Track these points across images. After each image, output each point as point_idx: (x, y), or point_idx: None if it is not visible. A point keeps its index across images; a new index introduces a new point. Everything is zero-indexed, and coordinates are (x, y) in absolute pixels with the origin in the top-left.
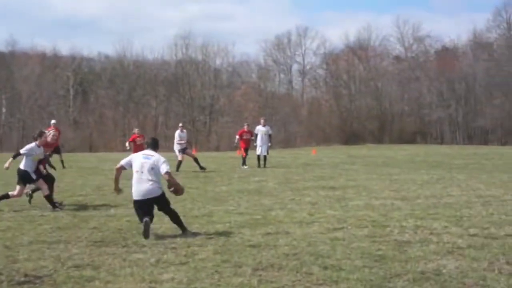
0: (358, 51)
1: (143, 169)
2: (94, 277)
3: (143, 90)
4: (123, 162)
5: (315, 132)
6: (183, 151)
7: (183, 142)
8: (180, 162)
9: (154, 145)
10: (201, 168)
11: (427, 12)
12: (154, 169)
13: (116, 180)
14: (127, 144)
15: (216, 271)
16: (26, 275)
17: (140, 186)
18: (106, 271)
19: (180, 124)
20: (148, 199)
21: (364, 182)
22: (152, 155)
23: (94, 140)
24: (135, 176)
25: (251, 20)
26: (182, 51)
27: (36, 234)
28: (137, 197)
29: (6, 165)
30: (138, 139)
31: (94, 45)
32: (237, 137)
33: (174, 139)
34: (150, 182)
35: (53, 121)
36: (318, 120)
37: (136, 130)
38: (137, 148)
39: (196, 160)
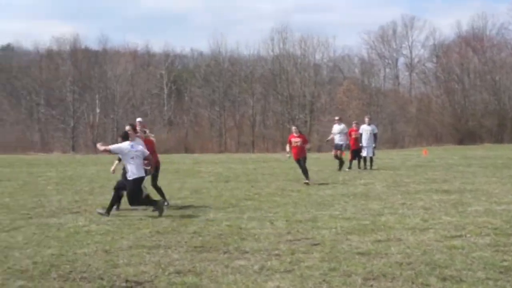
0: (472, 41)
1: None
2: (196, 284)
3: (239, 88)
4: None
5: (425, 131)
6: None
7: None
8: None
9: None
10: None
11: None
12: None
13: None
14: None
15: (323, 280)
16: (127, 281)
17: None
18: (208, 278)
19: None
20: None
21: (483, 185)
22: None
23: (190, 141)
24: None
25: (351, 11)
26: (279, 45)
27: (136, 238)
28: None
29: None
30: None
31: (187, 41)
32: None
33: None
34: None
35: (138, 119)
36: (428, 118)
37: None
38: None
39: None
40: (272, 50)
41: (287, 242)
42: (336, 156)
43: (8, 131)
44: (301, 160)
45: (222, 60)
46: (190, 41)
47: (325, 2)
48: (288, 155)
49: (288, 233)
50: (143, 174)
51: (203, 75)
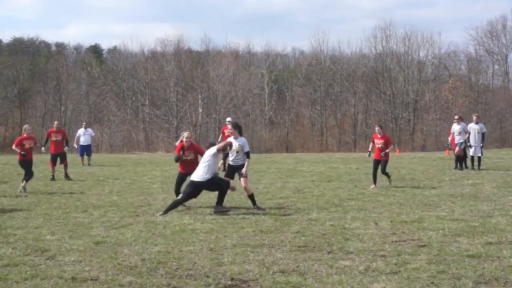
0: None
1: None
2: (301, 284)
3: (340, 86)
4: None
5: None
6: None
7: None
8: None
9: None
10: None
11: None
12: None
13: None
14: None
15: (432, 283)
16: (232, 279)
17: None
18: (312, 277)
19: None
20: None
21: None
22: None
23: (291, 140)
24: None
25: (456, 5)
26: (382, 43)
27: (239, 237)
28: None
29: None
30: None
31: (288, 40)
32: (449, 137)
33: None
34: None
35: (228, 119)
36: None
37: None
38: None
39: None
40: (375, 48)
41: (393, 243)
42: (459, 156)
43: (115, 131)
44: (381, 162)
45: (324, 58)
46: (292, 40)
47: None
48: (368, 154)
49: (393, 233)
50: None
51: (304, 74)
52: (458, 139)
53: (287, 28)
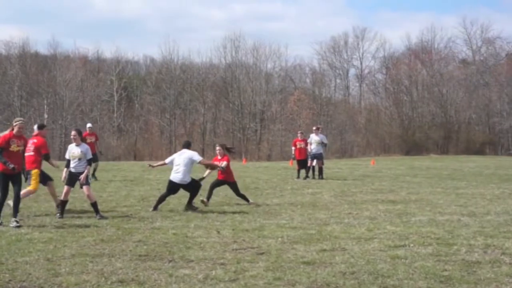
0: (421, 54)
1: None
2: None
3: (190, 95)
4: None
5: (374, 142)
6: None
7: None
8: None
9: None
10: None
11: (497, 12)
12: None
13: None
14: None
15: None
16: None
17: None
18: (151, 287)
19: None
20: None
21: (428, 196)
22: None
23: (139, 148)
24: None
25: (303, 21)
26: (231, 54)
27: (79, 246)
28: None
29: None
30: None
31: (139, 47)
32: (293, 148)
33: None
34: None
35: (89, 125)
36: (377, 129)
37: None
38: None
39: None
40: (225, 58)
41: (233, 251)
42: (308, 166)
43: None
44: (230, 184)
45: (174, 67)
46: (143, 47)
47: (276, 11)
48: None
49: (234, 242)
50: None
51: (154, 82)
52: (317, 149)
53: (138, 35)
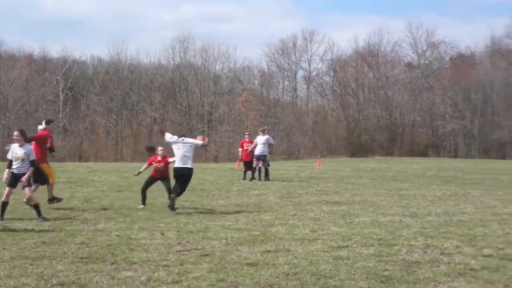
0: (368, 57)
1: None
2: None
3: (137, 96)
4: None
5: (320, 143)
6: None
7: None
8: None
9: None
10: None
11: (442, 17)
12: None
13: None
14: None
15: None
16: None
17: None
18: None
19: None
20: None
21: (371, 197)
22: None
23: (84, 149)
24: None
25: (252, 22)
26: (180, 55)
27: (19, 249)
28: None
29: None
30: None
31: (86, 47)
32: (240, 149)
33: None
34: None
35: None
36: (324, 131)
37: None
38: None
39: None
40: (173, 59)
41: (177, 252)
42: (255, 167)
43: None
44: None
45: (122, 67)
46: (90, 47)
47: (226, 12)
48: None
49: (178, 243)
50: None
51: (101, 82)
52: (262, 150)
53: (86, 35)
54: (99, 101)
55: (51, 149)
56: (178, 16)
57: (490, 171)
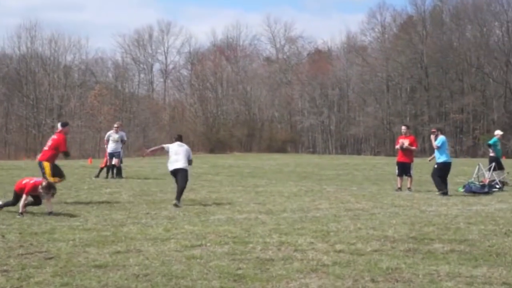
0: (226, 50)
1: None
2: None
3: None
4: None
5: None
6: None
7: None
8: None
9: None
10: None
11: (299, 12)
12: None
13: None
14: None
15: None
16: None
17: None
18: None
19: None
20: None
21: (228, 194)
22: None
23: None
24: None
25: (105, 11)
26: (26, 44)
27: None
28: None
29: None
30: None
31: None
32: (106, 146)
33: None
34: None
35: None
36: (181, 126)
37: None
38: None
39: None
40: (19, 49)
41: (18, 256)
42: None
43: None
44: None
45: None
46: None
47: (77, 0)
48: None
49: (21, 246)
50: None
51: None
52: (115, 148)
53: None
54: None
55: (65, 153)
56: (24, 2)
57: (345, 167)
